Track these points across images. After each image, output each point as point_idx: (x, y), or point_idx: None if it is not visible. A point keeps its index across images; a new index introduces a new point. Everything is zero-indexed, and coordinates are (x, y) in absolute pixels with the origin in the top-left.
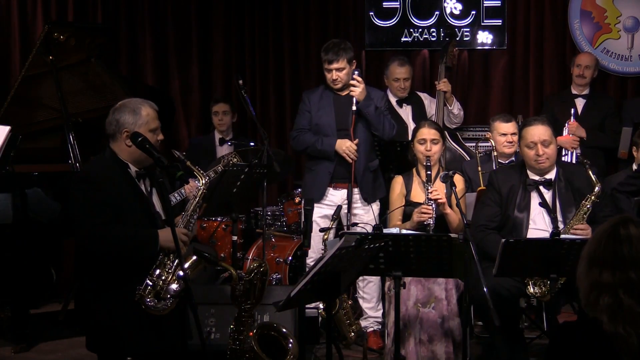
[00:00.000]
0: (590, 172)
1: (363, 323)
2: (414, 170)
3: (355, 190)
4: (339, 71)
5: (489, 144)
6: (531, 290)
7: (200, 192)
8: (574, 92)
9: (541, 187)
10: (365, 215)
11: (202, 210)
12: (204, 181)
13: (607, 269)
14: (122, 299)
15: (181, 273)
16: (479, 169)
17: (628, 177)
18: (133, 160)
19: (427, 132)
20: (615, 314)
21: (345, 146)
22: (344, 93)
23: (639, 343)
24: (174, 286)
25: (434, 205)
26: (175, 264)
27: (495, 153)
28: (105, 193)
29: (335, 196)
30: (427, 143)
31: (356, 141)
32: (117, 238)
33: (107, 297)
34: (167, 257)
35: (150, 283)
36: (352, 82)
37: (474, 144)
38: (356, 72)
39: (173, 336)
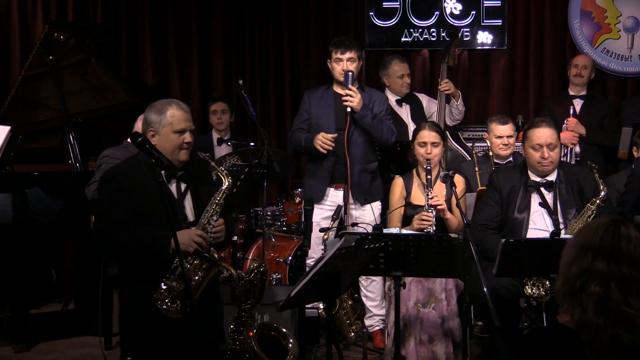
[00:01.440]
0: (597, 176)
1: (368, 322)
2: (414, 171)
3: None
4: (350, 62)
5: (485, 144)
6: (529, 291)
7: (222, 194)
8: (572, 93)
9: (542, 189)
10: (362, 216)
11: None
12: (227, 182)
13: (602, 258)
14: (141, 299)
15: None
16: (476, 169)
17: (620, 197)
18: None
19: (428, 135)
20: (602, 304)
21: (318, 139)
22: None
23: (611, 341)
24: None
25: (434, 212)
26: (194, 267)
27: (491, 153)
28: (126, 192)
29: (337, 197)
30: (428, 146)
31: (336, 135)
32: (127, 238)
33: (130, 297)
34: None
35: (165, 287)
36: (347, 91)
37: (472, 144)
38: (350, 76)
39: (198, 337)
